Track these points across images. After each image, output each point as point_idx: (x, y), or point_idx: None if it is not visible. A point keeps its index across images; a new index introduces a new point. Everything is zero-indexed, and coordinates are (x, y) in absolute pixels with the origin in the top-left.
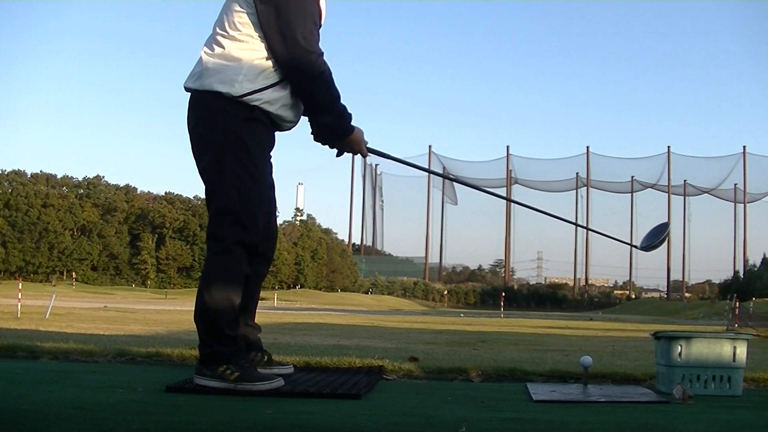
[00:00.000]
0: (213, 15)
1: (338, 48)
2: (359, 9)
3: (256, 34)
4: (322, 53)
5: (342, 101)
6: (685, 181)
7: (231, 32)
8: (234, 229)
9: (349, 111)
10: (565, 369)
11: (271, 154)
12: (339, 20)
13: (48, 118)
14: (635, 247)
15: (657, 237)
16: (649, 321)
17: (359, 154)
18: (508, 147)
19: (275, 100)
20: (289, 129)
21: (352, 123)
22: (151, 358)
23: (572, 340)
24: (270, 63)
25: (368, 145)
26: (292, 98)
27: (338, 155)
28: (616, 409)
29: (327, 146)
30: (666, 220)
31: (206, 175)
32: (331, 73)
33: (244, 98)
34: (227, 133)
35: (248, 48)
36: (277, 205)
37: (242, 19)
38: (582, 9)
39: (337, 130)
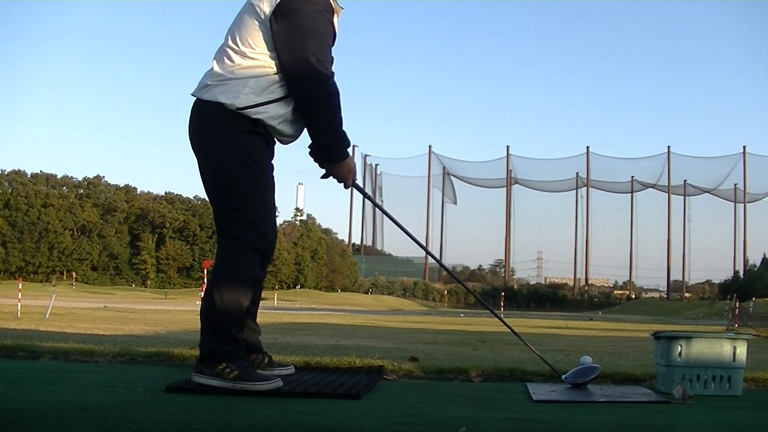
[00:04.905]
0: (214, 16)
1: (338, 48)
2: (359, 9)
3: (268, 53)
4: (333, 74)
5: (343, 127)
6: (685, 181)
7: (242, 48)
8: (251, 233)
9: (348, 138)
10: (565, 369)
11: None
12: (339, 20)
13: (48, 118)
14: (558, 375)
15: (583, 377)
16: (649, 321)
17: (343, 183)
18: (508, 147)
19: (278, 116)
20: (289, 143)
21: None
22: (151, 358)
23: (572, 340)
24: (277, 78)
25: (356, 180)
26: (294, 114)
27: (323, 177)
28: (616, 409)
29: (317, 165)
30: (597, 366)
31: (212, 183)
32: (339, 96)
33: (247, 111)
34: (230, 143)
35: (258, 65)
36: (276, 208)
37: (255, 36)
38: (582, 9)
39: (333, 153)
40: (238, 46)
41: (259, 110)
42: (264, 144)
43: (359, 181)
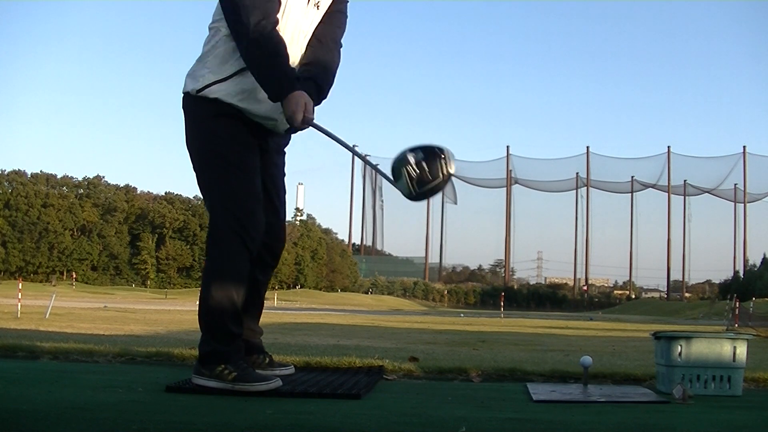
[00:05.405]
0: (211, 15)
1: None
2: (359, 9)
3: (223, 25)
4: (263, 19)
5: (286, 65)
6: (685, 181)
7: (208, 31)
8: (231, 224)
9: (288, 72)
10: (565, 369)
11: (278, 159)
12: None
13: (48, 118)
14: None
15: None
16: (649, 321)
17: (293, 122)
18: (508, 147)
19: (236, 92)
20: (279, 130)
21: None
22: (151, 358)
23: (572, 340)
24: (232, 52)
25: (313, 119)
26: (261, 91)
27: (287, 132)
28: (616, 409)
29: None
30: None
31: (197, 179)
32: (270, 38)
33: (205, 91)
34: (201, 131)
35: (216, 40)
36: (286, 209)
37: (215, 14)
38: (582, 9)
39: (274, 90)
40: (208, 31)
41: (214, 89)
42: (239, 127)
43: (358, 181)
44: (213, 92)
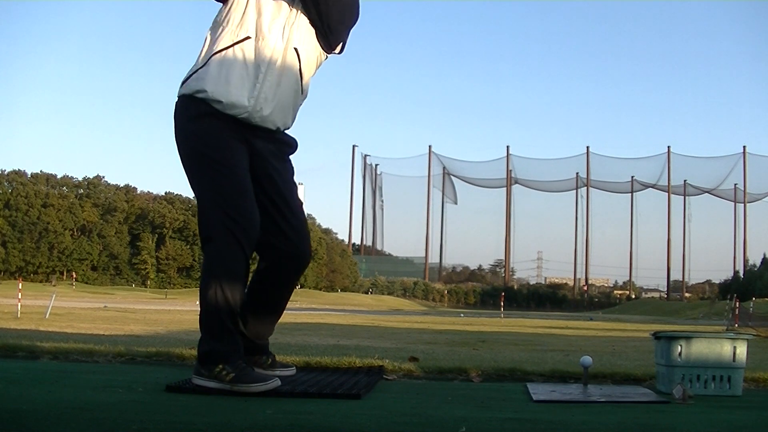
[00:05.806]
0: (213, 15)
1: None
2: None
3: (214, 20)
4: None
5: None
6: (685, 181)
7: None
8: (223, 221)
9: None
10: (565, 369)
11: (279, 165)
12: None
13: (48, 118)
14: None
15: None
16: (649, 321)
17: None
18: (508, 147)
19: (206, 76)
20: (253, 121)
21: None
22: (151, 358)
23: (572, 340)
24: (210, 40)
25: None
26: (232, 75)
27: None
28: (616, 409)
29: None
30: None
31: (187, 178)
32: None
33: (187, 82)
34: (184, 134)
35: (204, 36)
36: (290, 212)
37: (218, 14)
38: (582, 9)
39: None
40: None
41: (193, 77)
42: (218, 125)
43: (358, 181)
44: (192, 82)
